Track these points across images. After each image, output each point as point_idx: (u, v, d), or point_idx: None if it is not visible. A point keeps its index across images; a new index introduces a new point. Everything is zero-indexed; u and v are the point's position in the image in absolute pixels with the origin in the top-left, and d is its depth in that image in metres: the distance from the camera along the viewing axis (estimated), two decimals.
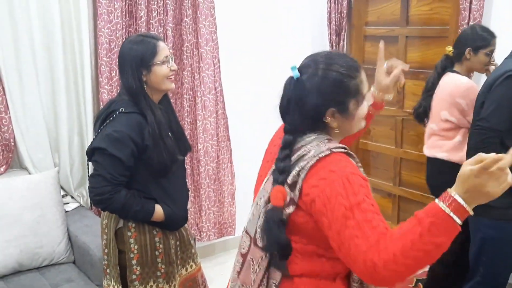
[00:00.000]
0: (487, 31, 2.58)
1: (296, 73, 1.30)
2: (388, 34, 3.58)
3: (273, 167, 1.33)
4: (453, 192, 1.05)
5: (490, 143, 2.10)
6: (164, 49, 2.00)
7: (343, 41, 3.76)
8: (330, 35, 3.74)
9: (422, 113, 2.82)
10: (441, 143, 2.69)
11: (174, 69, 2.03)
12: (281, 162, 1.29)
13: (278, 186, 1.27)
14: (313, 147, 1.26)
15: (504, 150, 2.07)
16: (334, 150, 1.25)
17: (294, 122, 1.31)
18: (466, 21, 2.86)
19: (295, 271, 1.31)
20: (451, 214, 1.04)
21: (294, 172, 1.25)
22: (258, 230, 1.32)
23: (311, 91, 1.27)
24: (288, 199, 1.25)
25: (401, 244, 1.06)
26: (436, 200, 1.07)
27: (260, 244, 1.32)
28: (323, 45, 3.83)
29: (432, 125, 2.74)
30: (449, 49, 2.67)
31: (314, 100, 1.27)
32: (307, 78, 1.28)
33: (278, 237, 1.25)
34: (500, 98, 2.11)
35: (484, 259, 2.27)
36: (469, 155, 2.29)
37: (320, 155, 1.23)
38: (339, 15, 3.71)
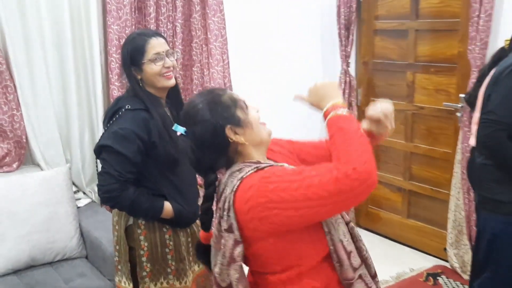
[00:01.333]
0: None
1: (181, 129, 1.35)
2: (398, 28, 3.55)
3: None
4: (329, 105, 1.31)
5: (498, 136, 2.07)
6: (156, 46, 1.97)
7: (353, 35, 3.74)
8: (340, 29, 3.72)
9: (471, 103, 2.74)
10: None
11: (168, 66, 1.99)
12: (205, 214, 1.40)
13: (202, 232, 1.43)
14: (226, 186, 1.30)
15: None
16: (244, 175, 1.27)
17: (211, 162, 1.34)
18: (477, 13, 2.83)
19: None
20: (340, 112, 1.28)
21: (224, 217, 1.27)
22: None
23: (201, 130, 1.31)
24: (232, 242, 1.26)
25: (352, 150, 1.17)
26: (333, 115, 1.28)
27: None
28: (332, 39, 3.81)
29: (477, 114, 2.67)
30: (507, 41, 2.58)
31: (209, 130, 1.30)
32: (191, 124, 1.33)
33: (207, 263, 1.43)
34: (507, 90, 2.08)
35: (495, 255, 2.26)
36: (478, 148, 2.27)
37: (234, 188, 1.26)
38: (348, 9, 3.68)
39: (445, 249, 3.31)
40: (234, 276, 1.28)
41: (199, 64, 3.20)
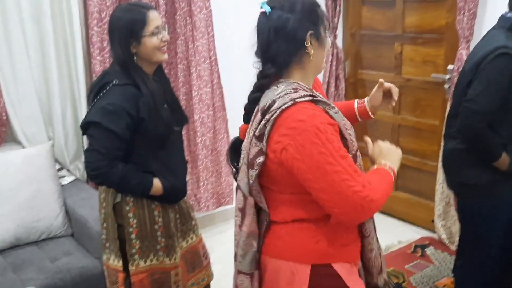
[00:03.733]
0: None
1: (267, 8, 1.35)
2: None
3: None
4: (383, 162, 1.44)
5: (477, 127, 2.02)
6: (155, 19, 1.93)
7: (340, 6, 3.68)
8: (326, 0, 3.65)
9: None
10: None
11: (166, 40, 1.97)
12: (251, 103, 1.42)
13: (243, 125, 1.45)
14: (278, 98, 1.31)
15: (494, 133, 1.98)
16: (298, 100, 1.28)
17: (277, 52, 1.34)
18: None
19: (281, 218, 1.40)
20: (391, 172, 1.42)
21: (260, 125, 1.31)
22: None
23: (288, 18, 1.32)
24: (256, 150, 1.32)
25: (380, 189, 1.31)
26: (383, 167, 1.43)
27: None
28: None
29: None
30: None
31: (294, 23, 1.32)
32: (281, 8, 1.33)
33: (234, 159, 1.49)
34: (490, 79, 1.99)
35: (478, 238, 2.25)
36: (450, 131, 2.22)
37: (283, 107, 1.28)
38: None
39: (433, 220, 3.34)
40: (245, 180, 1.37)
41: (183, 37, 3.13)
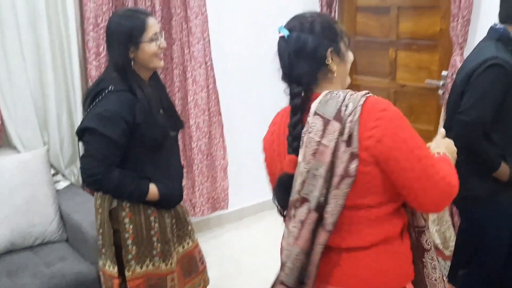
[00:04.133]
0: None
1: (286, 32, 1.35)
2: (380, 4, 3.52)
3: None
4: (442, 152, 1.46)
5: (473, 138, 2.03)
6: (153, 25, 1.94)
7: (335, 11, 3.70)
8: (321, 6, 3.67)
9: None
10: None
11: (163, 47, 1.98)
12: (293, 128, 1.32)
13: (290, 156, 1.31)
14: (348, 101, 1.27)
15: (490, 143, 2.00)
16: (367, 95, 1.28)
17: (301, 73, 1.32)
18: None
19: (362, 243, 1.31)
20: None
21: (347, 125, 1.24)
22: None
23: (306, 39, 1.32)
24: (347, 156, 1.23)
25: (454, 174, 1.33)
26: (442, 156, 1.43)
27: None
28: None
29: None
30: None
31: (313, 43, 1.32)
32: (299, 30, 1.34)
33: (283, 199, 1.33)
34: (482, 90, 2.01)
35: (482, 247, 2.27)
36: (456, 144, 2.23)
37: (361, 102, 1.26)
38: None
39: (427, 226, 3.35)
40: (345, 190, 1.24)
41: (179, 43, 3.14)
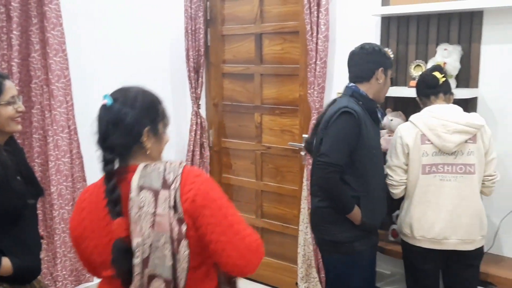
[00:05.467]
0: None
1: (110, 100, 1.40)
2: (245, 71, 3.71)
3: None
4: None
5: (332, 177, 2.22)
6: (10, 88, 1.87)
7: (202, 78, 3.81)
8: (189, 72, 3.77)
9: (309, 150, 2.79)
10: None
11: (21, 110, 1.91)
12: (111, 193, 1.36)
13: (117, 220, 1.34)
14: (164, 169, 1.36)
15: (345, 185, 2.24)
16: (183, 164, 1.39)
17: (115, 143, 1.38)
18: (314, 60, 3.08)
19: None
20: None
21: (171, 192, 1.32)
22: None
23: (127, 113, 1.38)
24: (176, 221, 1.31)
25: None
26: None
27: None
28: (182, 81, 3.84)
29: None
30: (339, 94, 2.65)
31: (132, 118, 1.38)
32: (121, 103, 1.40)
33: (125, 265, 1.32)
34: (337, 133, 2.24)
35: None
36: (313, 189, 2.43)
37: (180, 171, 1.36)
38: (197, 53, 3.76)
39: (296, 283, 3.43)
40: (185, 252, 1.32)
41: (39, 106, 2.99)
